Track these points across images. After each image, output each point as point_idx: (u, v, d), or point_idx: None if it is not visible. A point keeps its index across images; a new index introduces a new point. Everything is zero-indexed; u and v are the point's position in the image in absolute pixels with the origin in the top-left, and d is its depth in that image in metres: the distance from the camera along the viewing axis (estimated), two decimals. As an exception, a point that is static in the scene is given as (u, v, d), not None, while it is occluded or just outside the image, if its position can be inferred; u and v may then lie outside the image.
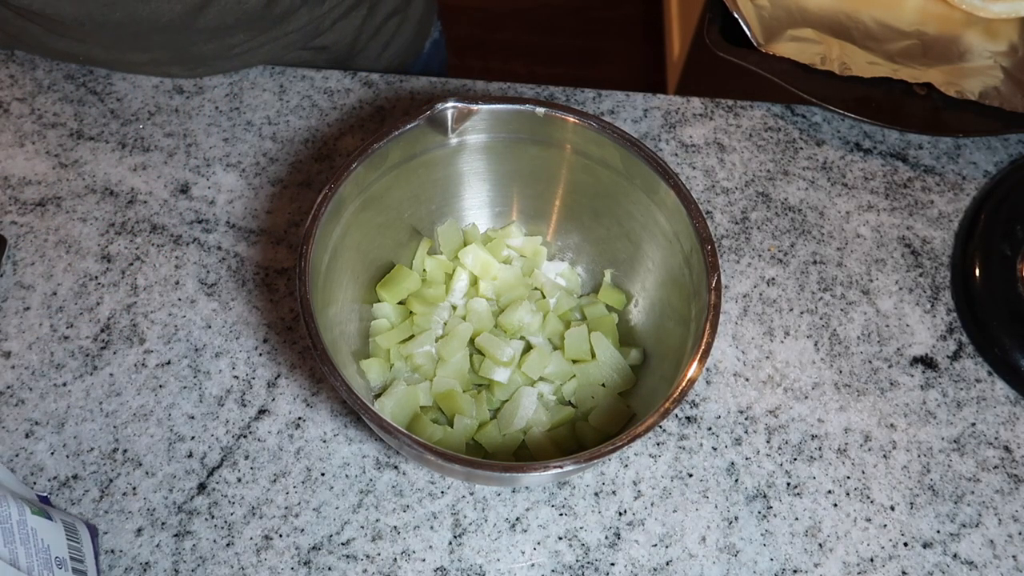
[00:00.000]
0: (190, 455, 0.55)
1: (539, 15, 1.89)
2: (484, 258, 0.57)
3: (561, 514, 0.54)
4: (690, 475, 0.55)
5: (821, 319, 0.61)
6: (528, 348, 0.55)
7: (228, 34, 0.65)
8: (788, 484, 0.55)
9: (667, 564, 0.52)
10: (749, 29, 0.67)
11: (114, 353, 0.58)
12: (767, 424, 0.57)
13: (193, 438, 0.55)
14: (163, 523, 0.52)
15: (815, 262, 0.63)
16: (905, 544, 0.53)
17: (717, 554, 0.53)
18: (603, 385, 0.54)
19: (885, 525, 0.54)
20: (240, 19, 0.63)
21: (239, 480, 0.54)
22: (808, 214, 0.65)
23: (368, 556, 0.52)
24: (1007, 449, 0.57)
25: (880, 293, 0.62)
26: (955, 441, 0.57)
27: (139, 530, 0.52)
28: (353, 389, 0.44)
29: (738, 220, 0.64)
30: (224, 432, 0.55)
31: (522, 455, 0.53)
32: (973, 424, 0.57)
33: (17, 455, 0.54)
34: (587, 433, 0.53)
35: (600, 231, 0.57)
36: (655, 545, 0.53)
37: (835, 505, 0.54)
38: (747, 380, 0.58)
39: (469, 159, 0.56)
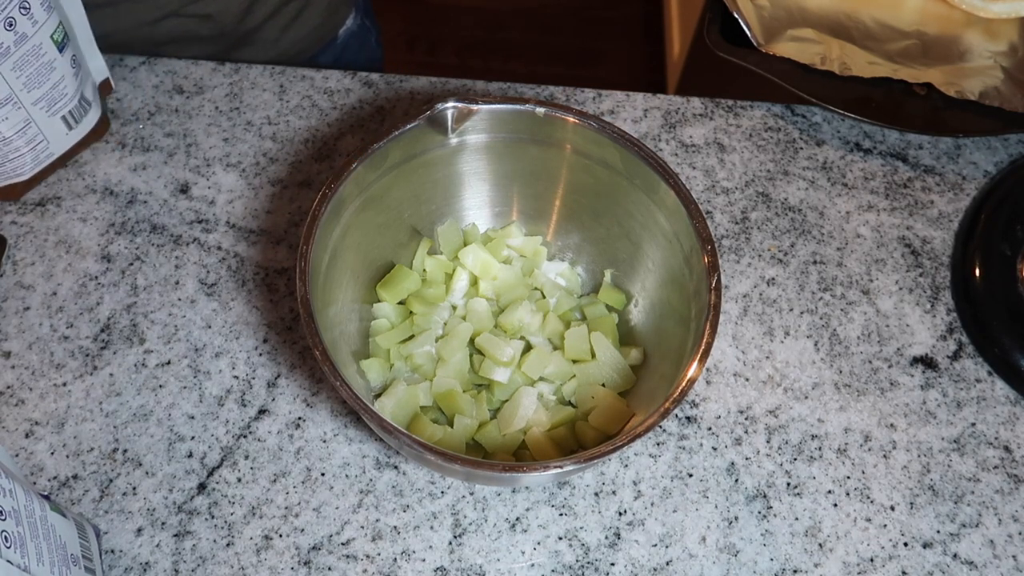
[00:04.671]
0: (190, 455, 0.55)
1: (539, 15, 1.89)
2: (484, 258, 0.57)
3: (561, 514, 0.54)
4: (690, 475, 0.55)
5: (821, 319, 0.61)
6: (528, 348, 0.55)
7: None
8: (788, 484, 0.55)
9: (667, 564, 0.52)
10: (749, 29, 0.67)
11: (114, 353, 0.58)
12: (767, 424, 0.57)
13: (193, 438, 0.55)
14: (163, 523, 0.52)
15: (815, 262, 0.63)
16: (905, 544, 0.53)
17: (717, 554, 0.53)
18: (603, 385, 0.54)
19: (885, 525, 0.54)
20: None
21: (239, 480, 0.54)
22: (808, 214, 0.65)
23: (368, 556, 0.52)
24: (1007, 449, 0.57)
25: (880, 293, 0.62)
26: (955, 441, 0.57)
27: (139, 530, 0.52)
28: (353, 389, 0.44)
29: (738, 220, 0.64)
30: (224, 432, 0.55)
31: (522, 455, 0.53)
32: (973, 424, 0.57)
33: (17, 455, 0.54)
34: (587, 433, 0.53)
35: (600, 231, 0.57)
36: (655, 545, 0.53)
37: (835, 505, 0.54)
38: (747, 380, 0.58)
39: (469, 159, 0.56)
